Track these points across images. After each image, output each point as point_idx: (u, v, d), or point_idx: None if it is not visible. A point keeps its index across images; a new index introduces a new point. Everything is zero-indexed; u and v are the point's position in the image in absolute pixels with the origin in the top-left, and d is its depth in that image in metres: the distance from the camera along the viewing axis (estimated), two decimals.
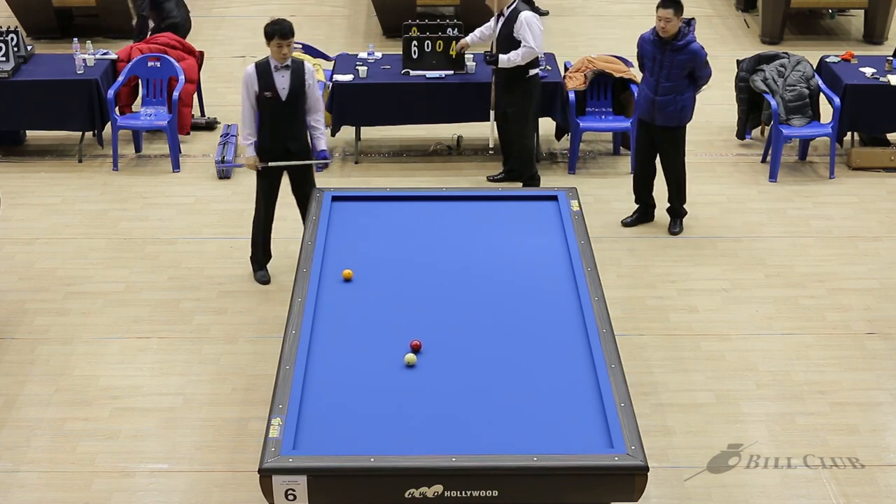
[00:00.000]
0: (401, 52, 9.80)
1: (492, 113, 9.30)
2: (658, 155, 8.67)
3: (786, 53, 9.93)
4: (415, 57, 9.70)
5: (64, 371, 7.13)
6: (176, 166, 9.72)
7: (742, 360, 7.25)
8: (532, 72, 8.96)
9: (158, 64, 9.96)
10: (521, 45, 8.74)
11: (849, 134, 9.96)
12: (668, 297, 7.93)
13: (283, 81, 7.53)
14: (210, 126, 10.46)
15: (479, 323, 5.90)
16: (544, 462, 4.87)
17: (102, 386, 6.99)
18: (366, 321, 5.91)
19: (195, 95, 10.35)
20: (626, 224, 8.84)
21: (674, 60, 8.23)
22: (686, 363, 7.23)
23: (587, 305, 5.95)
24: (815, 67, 9.89)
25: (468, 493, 4.86)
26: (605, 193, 9.33)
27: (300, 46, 10.30)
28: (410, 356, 5.54)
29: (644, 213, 8.87)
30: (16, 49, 9.73)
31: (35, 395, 6.91)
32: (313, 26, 12.92)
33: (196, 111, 10.48)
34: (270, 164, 7.67)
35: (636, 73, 9.54)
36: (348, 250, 6.57)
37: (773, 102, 9.54)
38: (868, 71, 9.77)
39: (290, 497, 4.84)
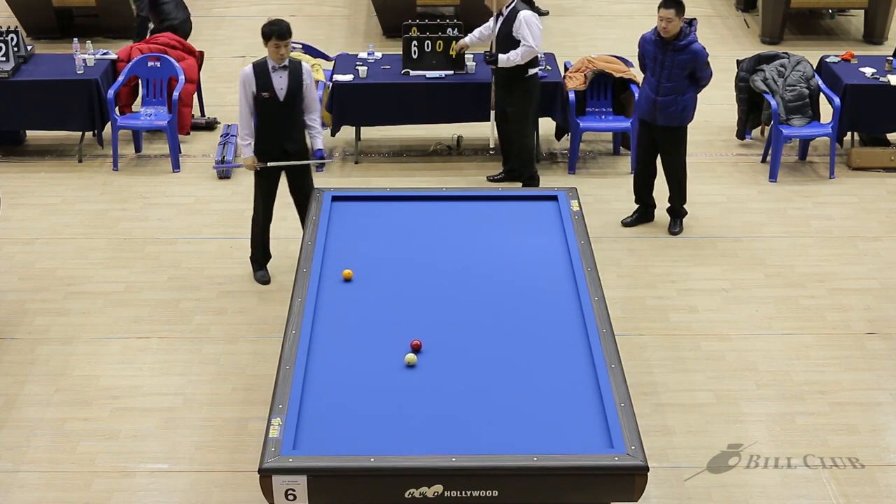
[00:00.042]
0: (401, 52, 9.80)
1: (492, 113, 9.30)
2: (659, 155, 8.68)
3: (786, 53, 9.93)
4: (415, 57, 9.70)
5: (64, 371, 7.13)
6: (176, 166, 9.72)
7: (742, 360, 7.25)
8: (531, 71, 8.96)
9: (158, 64, 9.96)
10: (521, 44, 8.74)
11: (849, 134, 9.96)
12: (668, 297, 7.93)
13: (280, 82, 7.53)
14: (210, 126, 10.46)
15: (479, 323, 5.90)
16: (544, 462, 4.87)
17: (102, 386, 6.99)
18: (366, 321, 5.91)
19: (195, 95, 10.35)
20: (626, 224, 8.84)
21: (675, 61, 8.23)
22: (686, 363, 7.23)
23: (587, 305, 5.94)
24: (815, 67, 9.89)
25: (468, 493, 4.86)
26: (605, 193, 9.33)
27: (300, 46, 10.30)
28: (411, 356, 5.54)
29: (644, 213, 8.87)
30: (16, 49, 9.73)
31: (35, 395, 6.91)
32: (313, 26, 12.92)
33: (196, 111, 10.48)
34: (269, 164, 7.67)
35: (636, 73, 9.55)
36: (348, 250, 6.56)
37: (773, 102, 9.54)
38: (868, 71, 9.77)
39: (290, 497, 4.84)
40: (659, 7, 8.18)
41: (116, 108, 9.88)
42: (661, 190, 8.80)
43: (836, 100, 9.55)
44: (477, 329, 5.85)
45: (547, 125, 9.94)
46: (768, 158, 9.74)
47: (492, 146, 9.58)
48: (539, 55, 9.04)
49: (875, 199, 9.30)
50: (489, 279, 6.30)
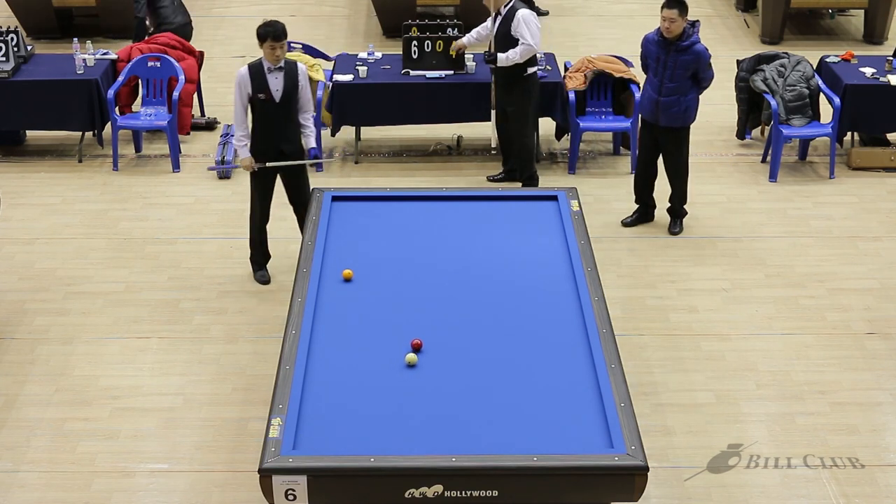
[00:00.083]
0: (401, 52, 9.80)
1: (493, 113, 9.30)
2: (661, 155, 8.68)
3: (786, 53, 9.93)
4: (415, 57, 9.70)
5: (64, 371, 7.13)
6: (176, 166, 9.72)
7: (742, 360, 7.25)
8: (530, 70, 8.95)
9: (158, 64, 9.96)
10: (519, 42, 8.74)
11: (849, 134, 9.96)
12: (668, 297, 7.93)
13: (276, 83, 7.52)
14: (210, 126, 10.46)
15: (479, 323, 5.90)
16: (544, 462, 4.87)
17: (102, 386, 6.99)
18: (366, 321, 5.91)
19: (195, 95, 10.35)
20: (626, 224, 8.84)
21: (677, 61, 8.23)
22: (686, 363, 7.23)
23: (587, 305, 5.94)
24: (815, 67, 9.89)
25: (468, 493, 4.86)
26: (605, 193, 9.33)
27: (300, 46, 10.30)
28: (411, 356, 5.54)
29: (644, 213, 8.87)
30: (16, 49, 9.73)
31: (35, 395, 6.91)
32: (313, 26, 12.92)
33: (196, 111, 10.49)
34: (267, 164, 7.67)
35: (636, 74, 9.55)
36: (348, 250, 6.56)
37: (773, 102, 9.54)
38: (868, 71, 9.77)
39: (290, 497, 4.84)
40: (662, 7, 8.18)
41: (116, 108, 9.88)
42: (660, 190, 8.80)
43: (836, 100, 9.55)
44: (477, 329, 5.84)
45: (547, 125, 9.94)
46: (768, 158, 9.74)
47: (494, 146, 9.58)
48: (538, 54, 9.04)
49: (875, 199, 9.30)
50: (489, 279, 6.29)
